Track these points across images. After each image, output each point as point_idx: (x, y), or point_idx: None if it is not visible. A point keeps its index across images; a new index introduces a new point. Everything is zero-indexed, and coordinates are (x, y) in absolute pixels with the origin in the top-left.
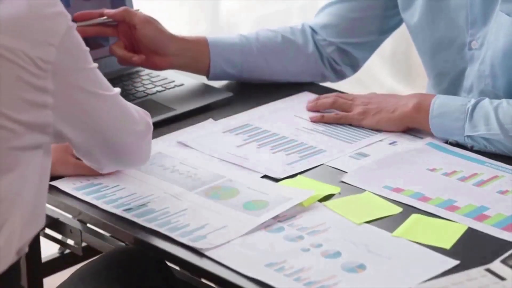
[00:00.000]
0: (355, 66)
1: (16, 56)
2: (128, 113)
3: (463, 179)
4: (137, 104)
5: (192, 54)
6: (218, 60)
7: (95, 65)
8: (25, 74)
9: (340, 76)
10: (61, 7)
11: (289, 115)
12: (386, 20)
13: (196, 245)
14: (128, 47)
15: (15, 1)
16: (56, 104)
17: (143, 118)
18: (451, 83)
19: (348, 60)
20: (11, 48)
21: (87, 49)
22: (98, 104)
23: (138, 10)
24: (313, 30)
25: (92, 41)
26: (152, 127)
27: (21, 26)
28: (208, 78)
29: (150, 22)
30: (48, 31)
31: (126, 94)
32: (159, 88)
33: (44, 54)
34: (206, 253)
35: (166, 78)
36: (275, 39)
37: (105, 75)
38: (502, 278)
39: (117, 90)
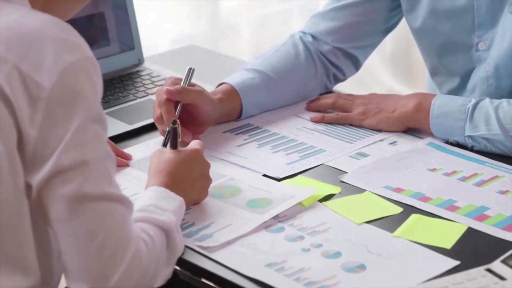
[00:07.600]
0: (357, 67)
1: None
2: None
3: (463, 179)
4: (137, 104)
5: (227, 112)
6: (248, 109)
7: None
8: None
9: (340, 80)
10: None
11: (289, 115)
12: (390, 20)
13: (203, 244)
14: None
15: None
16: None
17: None
18: (457, 84)
19: (352, 63)
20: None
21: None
22: None
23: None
24: (314, 37)
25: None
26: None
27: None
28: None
29: (205, 96)
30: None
31: (126, 94)
32: None
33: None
34: (207, 253)
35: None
36: (290, 74)
37: (105, 75)
38: (502, 278)
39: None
